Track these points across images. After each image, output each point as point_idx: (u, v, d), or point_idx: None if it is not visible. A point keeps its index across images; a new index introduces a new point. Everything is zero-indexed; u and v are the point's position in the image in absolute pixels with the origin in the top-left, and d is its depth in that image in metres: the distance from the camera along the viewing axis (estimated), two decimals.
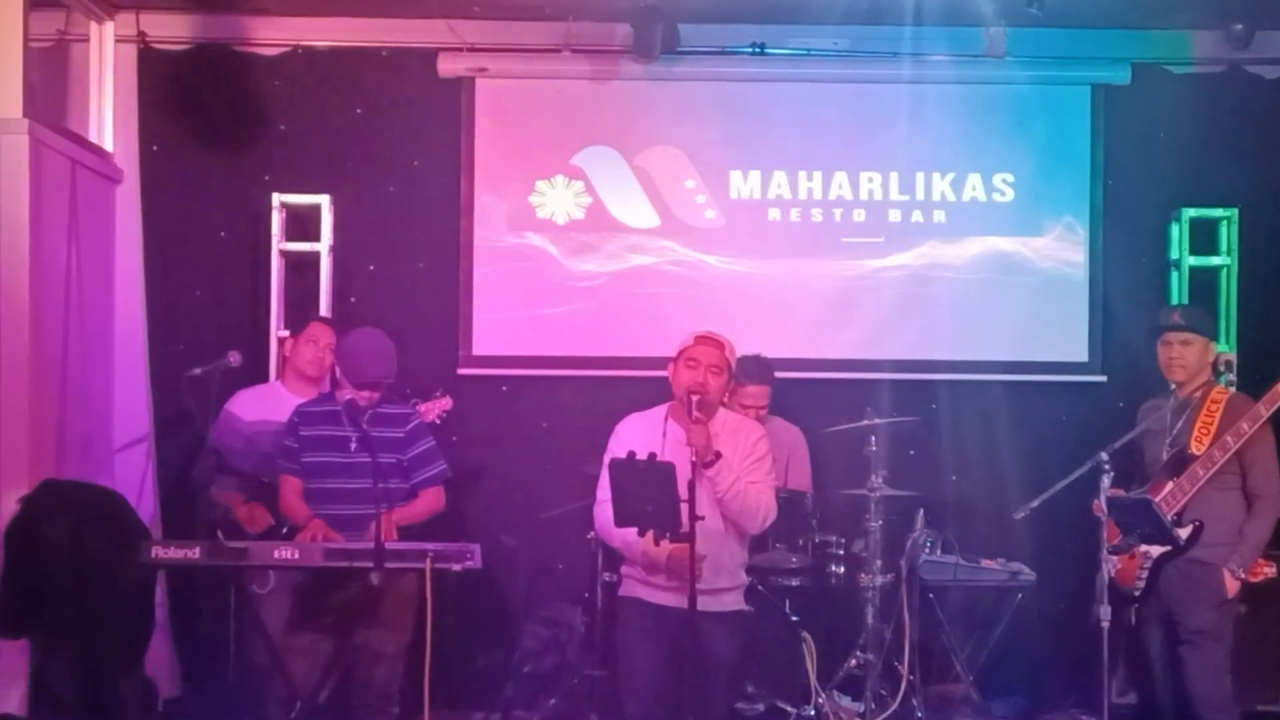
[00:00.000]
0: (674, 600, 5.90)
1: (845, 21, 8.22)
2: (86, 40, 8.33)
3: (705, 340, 6.12)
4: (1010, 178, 8.61)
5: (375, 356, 6.58)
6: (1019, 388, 8.49)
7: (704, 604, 5.78)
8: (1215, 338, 7.07)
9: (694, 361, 6.04)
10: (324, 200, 8.41)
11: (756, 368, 7.53)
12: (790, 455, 7.76)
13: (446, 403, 7.50)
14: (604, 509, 5.95)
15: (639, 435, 6.03)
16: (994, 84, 8.55)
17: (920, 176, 8.61)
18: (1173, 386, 6.85)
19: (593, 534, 6.92)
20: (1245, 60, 8.51)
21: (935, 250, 8.59)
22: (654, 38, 8.08)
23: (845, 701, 7.55)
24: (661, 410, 6.19)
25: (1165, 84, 8.57)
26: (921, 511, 7.77)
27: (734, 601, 6.19)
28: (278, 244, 8.37)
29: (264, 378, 7.99)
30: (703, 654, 5.90)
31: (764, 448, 6.19)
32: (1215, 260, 8.48)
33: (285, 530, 6.66)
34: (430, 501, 6.75)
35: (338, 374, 6.70)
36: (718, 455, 5.92)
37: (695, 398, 5.91)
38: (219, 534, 6.79)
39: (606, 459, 6.01)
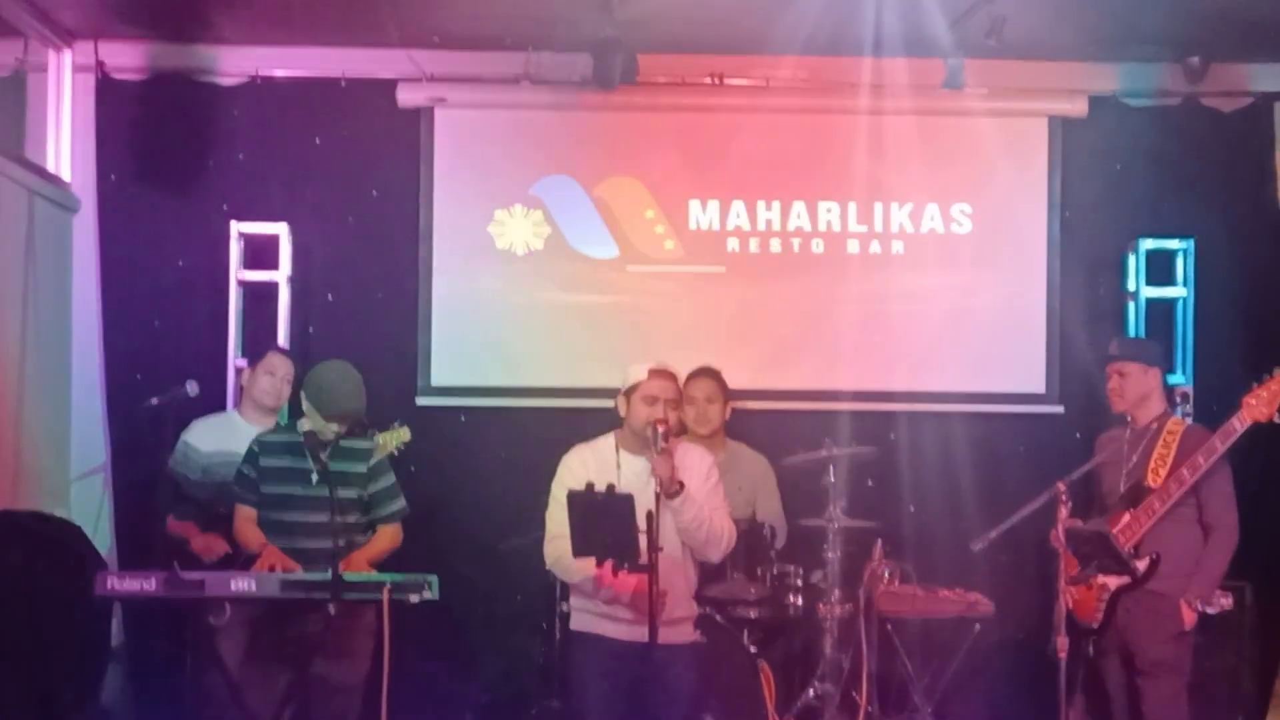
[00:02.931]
0: (631, 634, 5.89)
1: (804, 52, 8.15)
2: (45, 69, 8.30)
3: (659, 374, 6.13)
4: (968, 208, 8.64)
5: (348, 390, 6.50)
6: (977, 418, 8.50)
7: (663, 636, 5.77)
8: (1158, 364, 6.99)
9: (653, 399, 6.05)
10: (282, 229, 8.37)
11: (705, 370, 7.70)
12: (758, 487, 7.78)
13: (404, 433, 7.47)
14: (556, 545, 5.96)
15: (592, 467, 6.04)
16: (952, 115, 8.55)
17: (879, 207, 8.62)
18: (1128, 418, 6.87)
19: None
20: (1201, 93, 8.57)
21: (893, 281, 8.60)
22: (613, 68, 8.07)
23: None
24: (609, 440, 6.20)
25: (1122, 116, 8.62)
26: (880, 542, 7.76)
27: (689, 632, 6.20)
28: (236, 273, 8.32)
29: (222, 407, 7.95)
30: (663, 686, 5.90)
31: (716, 474, 6.23)
32: (1171, 292, 8.51)
33: (242, 560, 6.60)
34: (390, 538, 6.68)
35: (303, 404, 6.62)
36: (682, 485, 5.92)
37: (662, 428, 5.91)
38: (175, 564, 6.73)
39: (555, 490, 6.01)
